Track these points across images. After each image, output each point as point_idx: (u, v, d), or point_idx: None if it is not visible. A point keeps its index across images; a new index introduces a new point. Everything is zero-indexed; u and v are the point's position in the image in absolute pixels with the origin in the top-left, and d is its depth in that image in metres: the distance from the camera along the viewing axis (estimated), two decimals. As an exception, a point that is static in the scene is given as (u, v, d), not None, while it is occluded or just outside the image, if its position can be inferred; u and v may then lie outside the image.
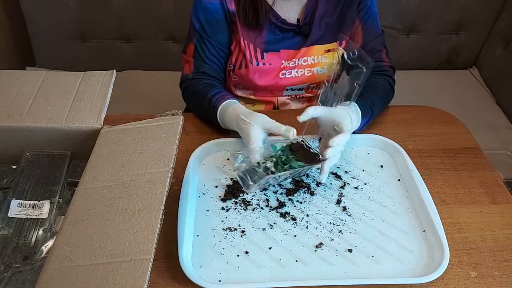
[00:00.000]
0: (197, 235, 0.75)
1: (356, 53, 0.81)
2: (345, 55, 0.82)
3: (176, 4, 1.59)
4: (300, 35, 1.01)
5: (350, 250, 0.72)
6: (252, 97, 1.09)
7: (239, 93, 1.09)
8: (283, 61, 1.02)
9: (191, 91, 1.00)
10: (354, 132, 0.91)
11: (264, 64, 1.01)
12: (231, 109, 0.89)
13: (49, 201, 0.70)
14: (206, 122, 0.97)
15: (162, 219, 0.56)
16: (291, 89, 1.07)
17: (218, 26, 0.99)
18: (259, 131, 0.82)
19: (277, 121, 0.83)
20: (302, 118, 0.81)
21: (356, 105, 0.89)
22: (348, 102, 0.88)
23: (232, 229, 0.76)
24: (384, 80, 1.00)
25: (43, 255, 0.64)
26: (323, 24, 1.00)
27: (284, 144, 0.83)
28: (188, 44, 1.02)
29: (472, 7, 1.62)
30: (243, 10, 0.97)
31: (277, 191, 0.82)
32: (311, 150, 0.82)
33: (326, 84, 0.85)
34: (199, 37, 1.00)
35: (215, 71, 1.02)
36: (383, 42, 1.04)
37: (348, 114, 0.84)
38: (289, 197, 0.82)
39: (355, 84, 0.83)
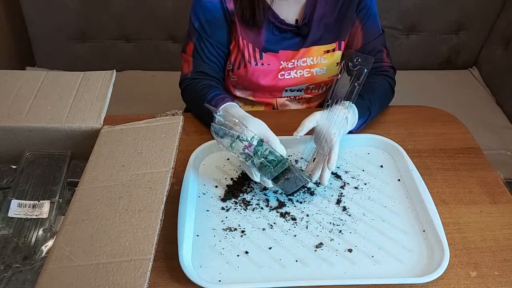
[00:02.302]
0: (197, 235, 0.75)
1: (359, 59, 0.82)
2: (349, 65, 0.83)
3: (176, 4, 1.59)
4: (299, 35, 1.01)
5: (350, 250, 0.72)
6: (251, 98, 1.09)
7: (238, 93, 1.09)
8: (281, 62, 1.02)
9: (190, 92, 1.00)
10: (350, 132, 0.91)
11: (262, 64, 1.01)
12: (230, 112, 0.88)
13: (49, 201, 0.70)
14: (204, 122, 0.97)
15: (162, 219, 0.56)
16: (290, 90, 1.07)
17: (218, 25, 0.99)
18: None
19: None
20: (301, 133, 0.82)
21: (354, 105, 0.89)
22: (347, 103, 0.88)
23: (232, 229, 0.76)
24: (384, 80, 1.00)
25: (43, 255, 0.64)
26: (322, 25, 1.00)
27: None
28: (187, 43, 1.02)
29: (472, 7, 1.62)
30: (240, 8, 0.97)
31: (277, 191, 0.82)
32: (302, 175, 0.79)
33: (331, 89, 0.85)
34: (198, 36, 0.99)
35: (214, 70, 1.02)
36: (383, 42, 1.04)
37: (342, 118, 0.85)
38: (289, 197, 0.82)
39: (355, 84, 0.83)
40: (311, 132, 0.86)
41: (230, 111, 0.88)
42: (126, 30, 1.65)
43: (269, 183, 0.78)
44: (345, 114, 0.85)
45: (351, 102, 0.86)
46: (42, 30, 1.64)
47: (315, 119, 0.84)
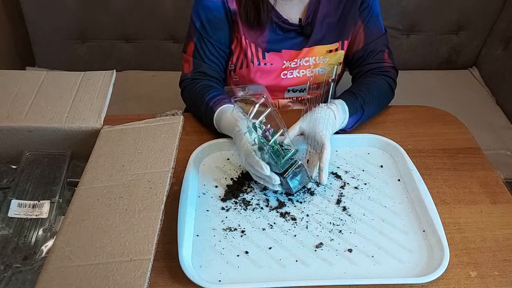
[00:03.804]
0: (197, 235, 0.75)
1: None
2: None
3: (176, 4, 1.59)
4: (302, 35, 1.01)
5: (350, 250, 0.72)
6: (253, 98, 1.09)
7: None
8: (284, 62, 1.02)
9: (189, 92, 1.00)
10: (344, 130, 0.92)
11: (265, 64, 1.01)
12: (228, 114, 0.89)
13: (49, 201, 0.70)
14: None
15: (162, 219, 0.56)
16: (293, 91, 1.07)
17: (219, 25, 0.99)
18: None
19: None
20: (285, 141, 0.82)
21: (344, 103, 0.90)
22: (338, 101, 0.90)
23: (232, 229, 0.76)
24: (383, 80, 1.00)
25: (43, 255, 0.64)
26: (325, 24, 1.00)
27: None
28: (188, 43, 1.02)
29: (472, 7, 1.62)
30: (244, 9, 0.96)
31: (277, 191, 0.82)
32: (307, 172, 0.81)
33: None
34: (199, 36, 0.99)
35: (214, 71, 1.02)
36: (385, 42, 1.04)
37: (328, 115, 0.86)
38: (289, 197, 0.82)
39: (330, 80, 0.84)
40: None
41: (226, 114, 0.88)
42: (126, 30, 1.65)
43: (276, 180, 0.77)
44: (329, 110, 0.86)
45: (329, 99, 0.87)
46: (42, 30, 1.64)
47: (297, 126, 0.85)
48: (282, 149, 0.77)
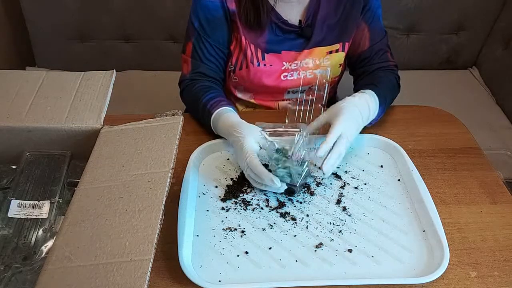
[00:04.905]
0: (197, 235, 0.75)
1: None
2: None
3: (176, 4, 1.59)
4: (302, 36, 1.00)
5: (350, 250, 0.72)
6: (253, 100, 1.09)
7: (239, 95, 1.09)
8: (284, 63, 1.01)
9: (188, 93, 1.00)
10: (371, 123, 0.93)
11: (265, 65, 1.01)
12: (225, 117, 0.88)
13: (49, 201, 0.70)
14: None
15: (162, 219, 0.56)
16: (292, 92, 1.07)
17: (218, 25, 0.98)
18: (253, 144, 0.81)
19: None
20: (308, 128, 0.85)
21: (374, 93, 0.91)
22: (367, 91, 0.91)
23: (232, 229, 0.76)
24: (392, 76, 1.02)
25: (43, 255, 0.64)
26: (325, 26, 1.00)
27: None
28: (186, 43, 1.01)
29: (472, 7, 1.62)
30: (244, 10, 0.96)
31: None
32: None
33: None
34: (197, 36, 0.99)
35: (213, 71, 1.01)
36: (387, 42, 1.05)
37: (362, 105, 0.87)
38: (289, 197, 0.82)
39: (324, 81, 0.85)
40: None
41: (223, 117, 0.88)
42: (126, 30, 1.65)
43: (283, 187, 0.79)
44: (362, 99, 0.88)
45: (324, 101, 0.89)
46: (42, 30, 1.64)
47: (322, 117, 0.86)
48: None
